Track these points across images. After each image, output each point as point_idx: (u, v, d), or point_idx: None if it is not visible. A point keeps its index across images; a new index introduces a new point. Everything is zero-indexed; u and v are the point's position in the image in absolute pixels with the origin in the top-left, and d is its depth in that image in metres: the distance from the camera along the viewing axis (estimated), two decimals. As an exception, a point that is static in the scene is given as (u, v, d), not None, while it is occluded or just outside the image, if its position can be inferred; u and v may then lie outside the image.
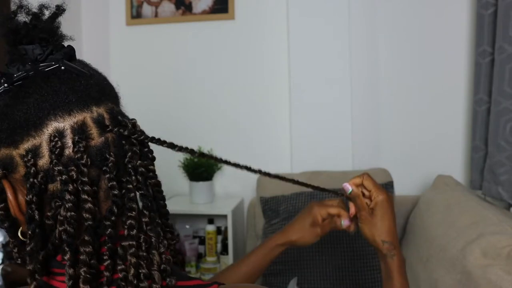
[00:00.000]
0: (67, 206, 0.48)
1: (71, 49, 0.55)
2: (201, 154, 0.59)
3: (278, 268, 1.57)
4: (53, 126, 0.49)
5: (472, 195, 1.49)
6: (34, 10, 0.54)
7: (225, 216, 1.89)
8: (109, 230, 0.50)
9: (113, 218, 0.50)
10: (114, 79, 0.59)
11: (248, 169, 0.65)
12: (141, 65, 2.18)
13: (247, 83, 2.09)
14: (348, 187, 0.84)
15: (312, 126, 1.98)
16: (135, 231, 0.50)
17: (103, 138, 0.51)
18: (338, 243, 1.56)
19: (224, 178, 2.10)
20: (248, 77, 2.09)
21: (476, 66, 1.67)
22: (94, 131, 0.51)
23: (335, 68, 1.95)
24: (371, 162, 1.95)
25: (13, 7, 0.54)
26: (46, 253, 0.50)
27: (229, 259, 1.88)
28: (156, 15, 2.14)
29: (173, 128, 2.10)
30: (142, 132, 0.54)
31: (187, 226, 2.11)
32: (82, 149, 0.49)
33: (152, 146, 0.56)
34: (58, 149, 0.49)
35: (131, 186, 0.51)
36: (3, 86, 0.51)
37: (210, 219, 2.00)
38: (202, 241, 2.06)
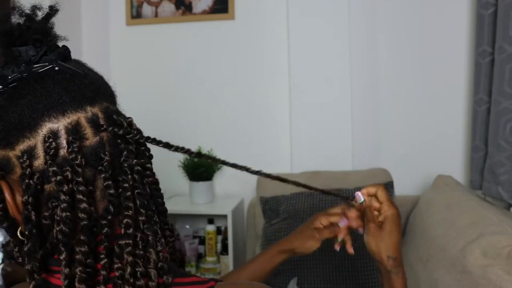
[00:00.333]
0: (62, 206, 0.48)
1: (65, 49, 0.55)
2: (198, 155, 0.59)
3: (278, 268, 1.56)
4: (47, 127, 0.50)
5: (472, 195, 1.49)
6: (27, 11, 0.54)
7: (225, 216, 1.89)
8: (106, 229, 0.50)
9: (109, 217, 0.51)
10: (114, 79, 0.59)
11: (247, 169, 0.65)
12: (141, 65, 2.18)
13: (247, 83, 2.09)
14: (360, 196, 0.82)
15: (312, 126, 1.98)
16: (131, 229, 0.50)
17: (98, 137, 0.51)
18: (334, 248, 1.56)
19: (224, 178, 2.10)
20: (248, 77, 2.09)
21: (476, 66, 1.67)
22: (88, 131, 0.51)
23: (335, 68, 1.94)
24: (371, 162, 1.95)
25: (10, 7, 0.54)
26: (45, 252, 0.51)
27: (229, 259, 1.88)
28: (156, 15, 2.14)
29: (173, 128, 2.10)
30: (138, 131, 0.54)
31: (187, 226, 2.11)
32: (76, 149, 0.49)
33: (151, 145, 0.56)
34: (52, 150, 0.49)
35: (127, 185, 0.51)
36: None
37: (210, 219, 2.00)
38: (202, 241, 2.06)
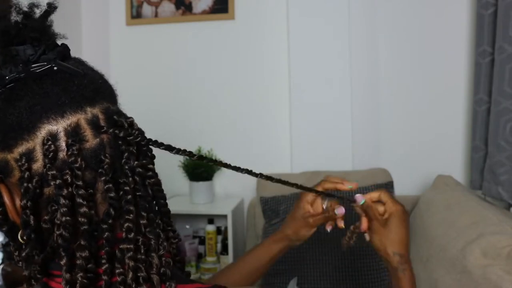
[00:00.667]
0: (62, 210, 0.47)
1: (64, 48, 0.53)
2: (200, 157, 0.58)
3: (278, 268, 1.57)
4: (46, 129, 0.48)
5: (472, 195, 1.49)
6: (25, 9, 0.52)
7: (225, 216, 1.89)
8: (107, 233, 0.49)
9: (110, 221, 0.49)
10: (114, 79, 0.57)
11: (248, 172, 0.63)
12: (141, 65, 2.18)
13: (247, 83, 2.09)
14: (361, 198, 0.82)
15: (312, 126, 1.98)
16: (133, 234, 0.49)
17: (98, 139, 0.50)
18: (338, 243, 1.56)
19: (224, 178, 2.10)
20: (248, 77, 2.09)
21: (476, 66, 1.67)
22: (88, 132, 0.49)
23: (335, 68, 1.94)
24: (371, 162, 1.95)
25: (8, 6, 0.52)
26: (45, 256, 0.49)
27: (229, 259, 1.88)
28: (156, 15, 2.14)
29: (173, 128, 2.10)
30: (140, 131, 0.53)
31: (187, 226, 2.11)
32: (75, 152, 0.48)
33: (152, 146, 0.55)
34: (51, 153, 0.48)
35: (128, 188, 0.50)
36: None
37: (210, 219, 2.00)
38: (202, 241, 2.06)
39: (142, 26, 2.17)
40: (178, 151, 0.55)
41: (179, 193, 2.14)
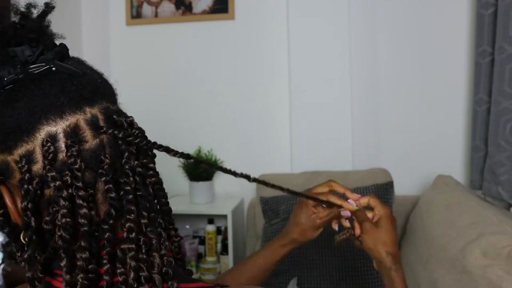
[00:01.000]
0: (62, 212, 0.47)
1: (63, 48, 0.53)
2: (197, 161, 0.57)
3: (278, 268, 1.56)
4: (45, 130, 0.48)
5: (472, 195, 1.49)
6: (22, 9, 0.52)
7: (225, 216, 1.89)
8: (108, 234, 0.49)
9: (111, 221, 0.49)
10: (114, 79, 0.57)
11: (244, 176, 0.64)
12: (141, 65, 2.18)
13: (247, 83, 2.09)
14: (353, 203, 0.83)
15: (312, 126, 1.98)
16: (134, 234, 0.49)
17: (97, 140, 0.50)
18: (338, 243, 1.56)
19: (224, 178, 2.10)
20: (248, 77, 2.09)
21: (476, 66, 1.67)
22: (87, 133, 0.49)
23: (335, 68, 1.94)
24: (371, 162, 1.95)
25: (13, 7, 0.52)
26: (47, 257, 0.49)
27: (229, 259, 1.88)
28: (156, 15, 2.14)
29: (173, 128, 2.10)
30: (140, 131, 0.52)
31: (187, 226, 2.11)
32: (75, 153, 0.47)
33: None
34: (51, 154, 0.47)
35: (129, 187, 0.50)
36: None
37: (210, 219, 2.00)
38: (202, 241, 2.06)
39: (142, 26, 2.17)
40: (175, 153, 0.54)
41: (179, 193, 2.14)
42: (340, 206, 0.83)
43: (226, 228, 1.99)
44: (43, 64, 0.50)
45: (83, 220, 0.48)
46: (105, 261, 0.48)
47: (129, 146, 0.51)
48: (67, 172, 0.48)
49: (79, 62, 0.54)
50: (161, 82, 2.17)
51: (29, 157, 0.48)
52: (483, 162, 1.64)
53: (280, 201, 1.73)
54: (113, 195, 0.49)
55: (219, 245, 2.02)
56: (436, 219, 1.41)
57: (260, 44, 2.07)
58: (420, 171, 1.94)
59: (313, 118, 1.97)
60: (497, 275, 1.01)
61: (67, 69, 0.50)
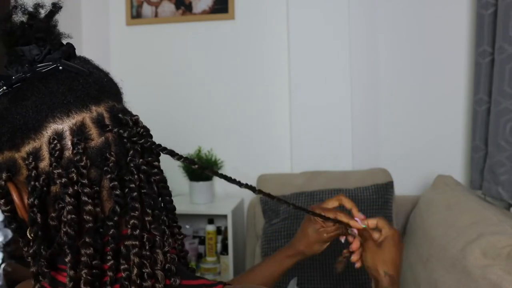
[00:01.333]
0: (67, 208, 0.48)
1: (69, 47, 0.54)
2: (203, 168, 0.58)
3: (278, 268, 1.57)
4: (52, 128, 0.49)
5: (472, 195, 1.49)
6: (30, 9, 0.53)
7: (225, 216, 1.89)
8: (112, 230, 0.49)
9: (116, 218, 0.50)
10: (118, 79, 0.58)
11: (249, 187, 0.63)
12: (141, 65, 2.18)
13: (247, 83, 2.09)
14: (360, 222, 0.83)
15: (312, 126, 1.98)
16: (138, 231, 0.49)
17: (103, 138, 0.51)
18: (338, 243, 1.56)
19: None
20: (248, 77, 2.09)
21: (476, 66, 1.67)
22: (93, 131, 0.50)
23: (335, 68, 1.94)
24: (371, 162, 1.95)
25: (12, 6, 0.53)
26: (52, 252, 0.50)
27: (229, 259, 1.88)
28: (156, 15, 2.14)
29: (173, 128, 2.10)
30: (145, 129, 0.53)
31: (187, 226, 2.11)
32: (81, 151, 0.48)
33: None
34: (57, 152, 0.48)
35: (133, 185, 0.51)
36: (2, 89, 0.50)
37: (210, 219, 2.00)
38: (202, 241, 2.06)
39: (142, 26, 2.17)
40: (180, 157, 0.55)
41: (179, 193, 2.14)
42: (347, 224, 0.83)
43: (226, 228, 1.99)
44: (50, 63, 0.51)
45: (88, 217, 0.48)
46: (109, 257, 0.49)
47: (134, 144, 0.52)
48: (73, 169, 0.48)
49: (85, 61, 0.55)
50: (161, 82, 2.17)
51: (36, 154, 0.49)
52: (483, 162, 1.64)
53: (280, 201, 1.73)
54: (118, 192, 0.50)
55: (219, 245, 2.02)
56: (436, 219, 1.41)
57: (260, 44, 2.07)
58: (420, 171, 1.94)
59: (313, 118, 1.97)
60: (497, 275, 1.01)
61: (74, 68, 0.51)
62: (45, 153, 0.49)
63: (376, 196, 1.66)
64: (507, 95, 1.46)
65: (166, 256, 0.51)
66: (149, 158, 0.53)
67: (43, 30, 0.52)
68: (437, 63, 1.93)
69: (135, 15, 2.16)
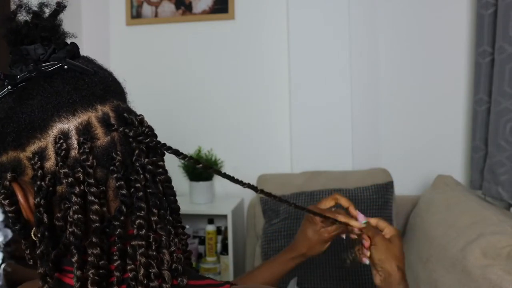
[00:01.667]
0: (74, 208, 0.48)
1: (74, 47, 0.54)
2: (207, 167, 0.58)
3: (278, 268, 1.57)
4: (57, 127, 0.49)
5: (472, 195, 1.49)
6: (34, 8, 0.53)
7: (225, 216, 1.89)
8: (119, 230, 0.49)
9: (122, 218, 0.50)
10: (122, 79, 0.58)
11: (251, 187, 0.63)
12: (141, 65, 2.18)
13: (247, 83, 2.09)
14: (363, 218, 0.83)
15: (312, 126, 1.98)
16: (144, 230, 0.49)
17: (109, 137, 0.50)
18: (338, 243, 1.56)
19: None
20: (248, 77, 2.09)
21: (476, 66, 1.67)
22: (99, 130, 0.50)
23: (335, 68, 1.94)
24: (371, 162, 1.95)
25: (13, 6, 0.52)
26: (58, 253, 0.50)
27: (229, 259, 1.88)
28: (156, 15, 2.14)
29: (173, 128, 2.10)
30: (150, 129, 0.53)
31: (187, 226, 2.11)
32: (87, 150, 0.48)
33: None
34: (63, 151, 0.48)
35: (139, 185, 0.50)
36: (6, 88, 0.50)
37: (210, 219, 2.00)
38: (202, 241, 2.06)
39: (142, 26, 2.17)
40: (184, 157, 0.55)
41: (179, 193, 2.11)
42: (347, 224, 0.83)
43: (226, 228, 1.99)
44: (56, 62, 0.50)
45: (94, 217, 0.48)
46: (115, 257, 0.49)
47: (139, 144, 0.52)
48: (79, 169, 0.48)
49: (89, 61, 0.55)
50: (161, 82, 2.16)
51: (41, 154, 0.49)
52: (483, 162, 1.64)
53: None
54: (124, 192, 0.50)
55: (219, 245, 2.02)
56: (436, 219, 1.41)
57: (260, 44, 2.07)
58: (420, 171, 1.94)
59: (313, 118, 1.97)
60: (497, 275, 1.01)
61: (79, 67, 0.51)
62: (51, 152, 0.49)
63: (376, 196, 1.66)
64: (507, 95, 1.46)
65: (173, 256, 0.51)
66: (154, 158, 0.53)
67: (48, 29, 0.52)
68: (437, 63, 1.93)
69: (135, 15, 2.16)
